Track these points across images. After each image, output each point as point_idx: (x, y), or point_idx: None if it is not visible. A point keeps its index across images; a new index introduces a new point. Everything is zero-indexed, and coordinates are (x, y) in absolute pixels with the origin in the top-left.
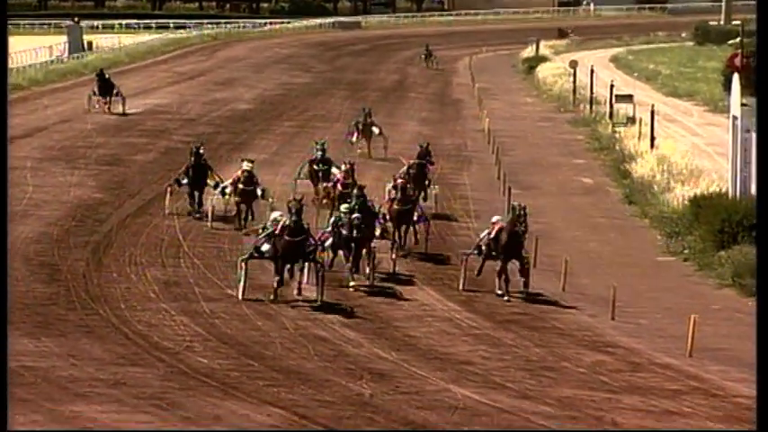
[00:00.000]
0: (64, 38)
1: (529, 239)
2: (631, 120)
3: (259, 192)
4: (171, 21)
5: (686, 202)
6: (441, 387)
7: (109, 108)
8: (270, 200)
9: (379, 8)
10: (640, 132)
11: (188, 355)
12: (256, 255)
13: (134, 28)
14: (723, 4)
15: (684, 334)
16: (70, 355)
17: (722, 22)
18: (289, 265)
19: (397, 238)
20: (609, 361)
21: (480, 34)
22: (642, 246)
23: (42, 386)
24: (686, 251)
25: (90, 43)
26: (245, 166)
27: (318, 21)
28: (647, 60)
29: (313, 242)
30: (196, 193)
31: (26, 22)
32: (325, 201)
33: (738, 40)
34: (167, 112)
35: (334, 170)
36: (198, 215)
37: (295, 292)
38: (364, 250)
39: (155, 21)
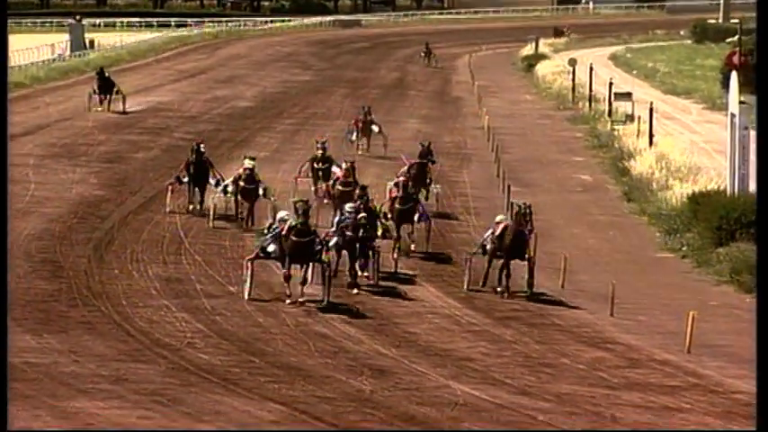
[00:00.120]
0: (66, 36)
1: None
2: (630, 117)
3: (261, 190)
4: (172, 19)
5: (684, 200)
6: (440, 383)
7: (110, 106)
8: (272, 198)
9: (379, 6)
10: (639, 130)
11: (189, 351)
12: (262, 255)
13: (135, 26)
14: (721, 2)
15: (683, 330)
16: (72, 352)
17: (720, 21)
18: (296, 266)
19: (398, 237)
20: (608, 357)
21: (480, 32)
22: (641, 243)
23: (44, 382)
24: (684, 248)
25: (92, 41)
26: (247, 163)
27: (319, 19)
28: (646, 58)
29: (319, 243)
30: (197, 191)
31: (28, 20)
32: (326, 200)
33: (736, 38)
34: (169, 110)
35: (334, 169)
36: (200, 212)
37: (299, 290)
38: (369, 251)
39: (156, 19)
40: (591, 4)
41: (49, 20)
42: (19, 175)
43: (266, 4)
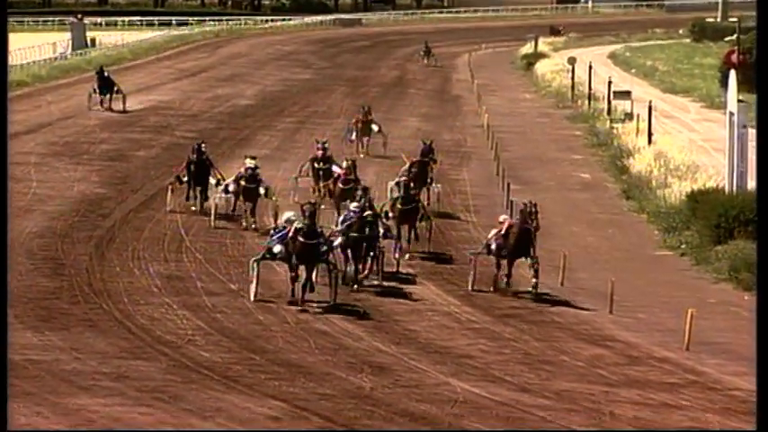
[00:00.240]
0: (67, 35)
1: None
2: (629, 116)
3: (262, 190)
4: (173, 18)
5: (683, 198)
6: (440, 380)
7: (110, 105)
8: (273, 198)
9: (379, 5)
10: (638, 128)
11: (190, 348)
12: (268, 256)
13: (137, 25)
14: (720, 1)
15: (682, 328)
16: (73, 349)
17: (719, 19)
18: (303, 267)
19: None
20: (607, 355)
21: (480, 31)
22: (640, 241)
23: (46, 379)
24: (683, 246)
25: (93, 40)
26: (249, 163)
27: (319, 18)
28: (645, 57)
29: (324, 243)
30: (199, 190)
31: (30, 19)
32: (327, 198)
33: (735, 36)
34: (170, 108)
35: (335, 168)
36: (201, 212)
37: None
38: (374, 250)
39: (157, 18)
40: (590, 3)
41: (50, 18)
42: (21, 173)
43: (267, 2)
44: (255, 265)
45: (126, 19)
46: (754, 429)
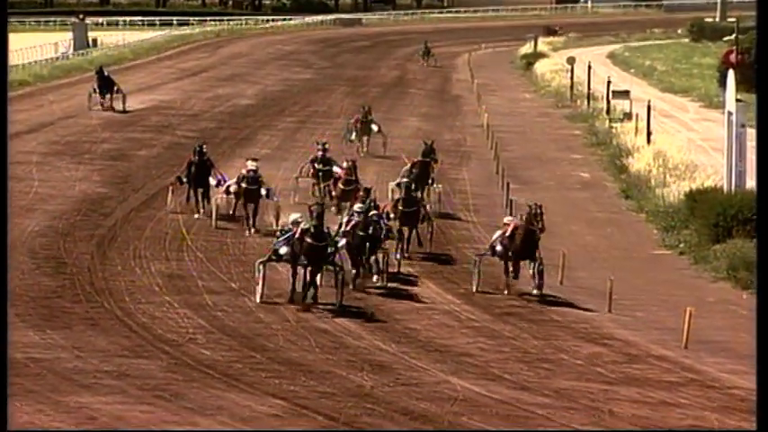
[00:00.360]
0: (69, 35)
1: None
2: (628, 115)
3: (264, 191)
4: (174, 18)
5: (682, 197)
6: (440, 379)
7: (111, 105)
8: (275, 199)
9: (379, 5)
10: (637, 128)
11: (191, 347)
12: (274, 258)
13: (138, 25)
14: (718, 1)
15: (680, 326)
16: (75, 347)
17: (717, 19)
18: (311, 269)
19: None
20: (606, 353)
21: (479, 31)
22: (639, 240)
23: (48, 377)
24: (682, 245)
25: (95, 40)
26: (250, 165)
27: (320, 18)
28: (644, 57)
29: (332, 245)
30: (200, 192)
31: (32, 19)
32: (327, 199)
33: (733, 36)
34: (171, 108)
35: (335, 169)
36: (201, 214)
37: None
38: (378, 251)
39: (158, 18)
40: (589, 3)
41: (52, 19)
42: (23, 172)
43: (267, 2)
44: (261, 266)
45: (127, 19)
46: (754, 429)
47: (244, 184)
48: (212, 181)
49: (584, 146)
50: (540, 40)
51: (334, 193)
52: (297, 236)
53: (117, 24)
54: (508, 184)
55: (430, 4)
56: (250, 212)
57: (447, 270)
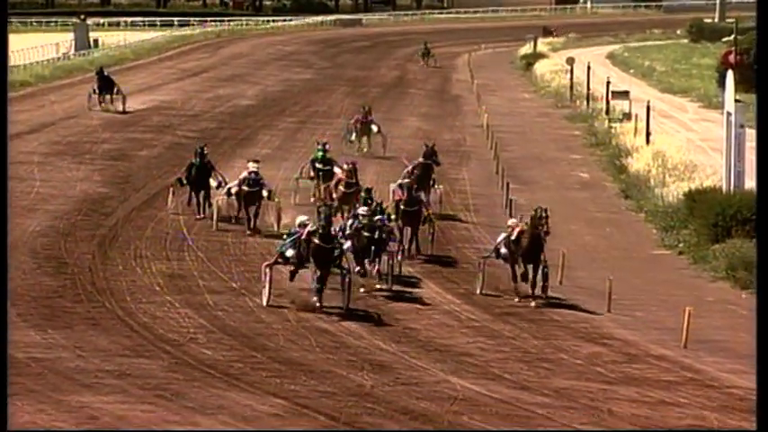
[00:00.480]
0: (70, 35)
1: None
2: (627, 116)
3: (265, 193)
4: (175, 18)
5: (681, 197)
6: (440, 378)
7: (113, 103)
8: (276, 200)
9: (379, 6)
10: (636, 128)
11: (192, 346)
12: (281, 260)
13: (139, 25)
14: (717, 1)
15: (679, 326)
16: (76, 347)
17: (716, 20)
18: (318, 271)
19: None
20: (605, 352)
21: (479, 31)
22: (638, 239)
23: (49, 377)
24: (681, 245)
25: (96, 40)
26: (251, 166)
27: (320, 18)
28: (643, 57)
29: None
30: (202, 195)
31: (33, 19)
32: (328, 202)
33: (732, 37)
34: (172, 108)
35: (336, 170)
36: (202, 216)
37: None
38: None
39: (159, 18)
40: (589, 4)
41: (53, 19)
42: (24, 172)
43: (268, 3)
44: (268, 270)
45: (128, 20)
46: (753, 429)
47: (245, 187)
48: (213, 183)
49: (584, 146)
50: (540, 40)
51: (335, 196)
52: (303, 237)
53: (118, 25)
54: (508, 184)
55: (430, 5)
56: (251, 214)
57: (447, 270)
